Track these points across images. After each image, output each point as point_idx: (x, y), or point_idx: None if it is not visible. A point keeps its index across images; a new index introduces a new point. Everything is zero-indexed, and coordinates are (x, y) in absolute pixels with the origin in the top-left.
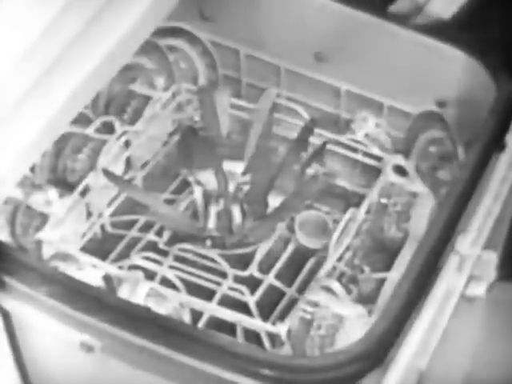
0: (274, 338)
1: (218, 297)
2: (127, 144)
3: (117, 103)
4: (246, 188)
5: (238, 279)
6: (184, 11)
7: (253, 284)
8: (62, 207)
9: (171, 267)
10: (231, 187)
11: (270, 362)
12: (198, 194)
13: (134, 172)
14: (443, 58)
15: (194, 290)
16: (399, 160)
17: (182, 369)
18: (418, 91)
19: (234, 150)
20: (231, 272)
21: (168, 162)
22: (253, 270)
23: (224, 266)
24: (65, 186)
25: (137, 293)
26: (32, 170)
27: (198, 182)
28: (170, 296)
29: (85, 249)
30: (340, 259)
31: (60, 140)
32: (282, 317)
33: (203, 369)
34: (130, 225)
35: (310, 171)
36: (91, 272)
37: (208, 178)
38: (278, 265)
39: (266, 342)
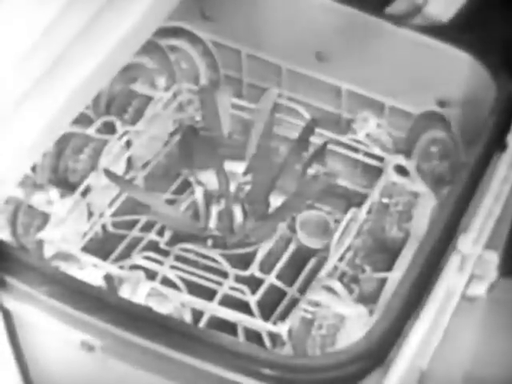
0: (275, 338)
1: (219, 296)
2: (128, 144)
3: (118, 103)
4: (248, 188)
5: (239, 279)
6: (185, 11)
7: (254, 284)
8: (63, 207)
9: (172, 267)
10: (232, 187)
11: (271, 361)
12: (199, 193)
13: (135, 172)
14: (444, 57)
15: (195, 289)
16: (400, 160)
17: (183, 368)
18: (419, 91)
19: (235, 150)
20: (232, 272)
21: (169, 162)
22: (254, 270)
23: (225, 265)
24: (66, 185)
25: (138, 292)
26: (33, 169)
27: (199, 182)
28: (171, 296)
29: (86, 248)
30: (341, 259)
31: (61, 140)
32: (283, 316)
33: (204, 368)
34: (131, 225)
35: (311, 171)
36: (92, 272)
37: (209, 178)
38: (279, 264)
39: (267, 342)
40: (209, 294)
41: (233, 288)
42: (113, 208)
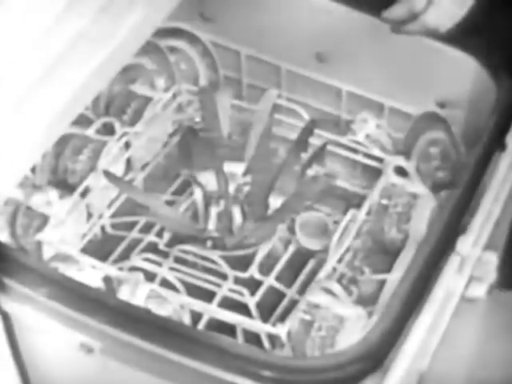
0: (274, 340)
1: (218, 298)
2: (127, 145)
3: (117, 104)
4: (247, 189)
5: (238, 280)
6: (185, 12)
7: (253, 285)
8: (63, 208)
9: (171, 268)
10: (232, 188)
11: (271, 363)
12: (198, 195)
13: (135, 173)
14: (444, 58)
15: (194, 291)
16: (400, 161)
17: (182, 370)
18: (418, 92)
19: (234, 151)
20: (231, 273)
21: (168, 163)
22: (253, 272)
23: (224, 267)
24: (65, 187)
25: (137, 294)
26: (32, 170)
27: (199, 183)
28: (170, 297)
29: (85, 250)
30: (340, 260)
31: (60, 141)
32: (283, 318)
33: (203, 370)
34: (131, 226)
35: (310, 172)
36: (91, 273)
37: (208, 179)
38: (279, 266)
39: (267, 344)
40: (208, 296)
41: (232, 290)
42: (112, 209)
